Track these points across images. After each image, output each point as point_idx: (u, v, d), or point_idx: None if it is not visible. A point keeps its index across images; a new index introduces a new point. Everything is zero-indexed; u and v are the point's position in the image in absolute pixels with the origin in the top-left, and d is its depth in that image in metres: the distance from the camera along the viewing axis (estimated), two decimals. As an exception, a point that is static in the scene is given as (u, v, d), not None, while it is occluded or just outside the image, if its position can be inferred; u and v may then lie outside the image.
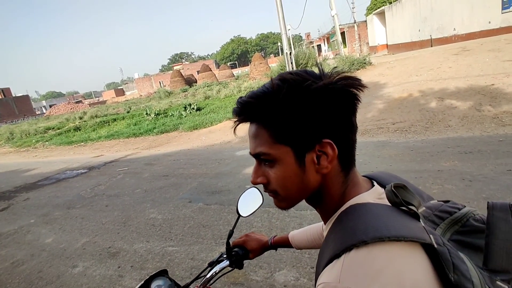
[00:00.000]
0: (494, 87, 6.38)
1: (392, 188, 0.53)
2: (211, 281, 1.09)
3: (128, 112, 18.53)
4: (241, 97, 0.60)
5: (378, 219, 0.50)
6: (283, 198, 0.61)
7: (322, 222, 1.07)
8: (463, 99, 6.23)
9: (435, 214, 0.58)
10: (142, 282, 1.04)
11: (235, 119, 0.61)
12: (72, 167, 8.24)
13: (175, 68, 48.14)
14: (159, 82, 53.56)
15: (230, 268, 1.12)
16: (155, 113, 14.14)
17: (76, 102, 43.66)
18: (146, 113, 14.48)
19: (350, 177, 0.59)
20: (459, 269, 0.45)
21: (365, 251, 0.46)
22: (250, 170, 5.36)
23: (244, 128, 0.63)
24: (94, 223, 4.20)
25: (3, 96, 53.12)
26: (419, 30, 19.19)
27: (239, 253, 1.13)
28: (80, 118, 19.72)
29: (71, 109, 34.61)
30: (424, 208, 0.58)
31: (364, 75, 11.06)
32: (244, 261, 1.16)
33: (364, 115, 6.98)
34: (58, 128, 17.36)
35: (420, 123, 5.77)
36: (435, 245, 0.47)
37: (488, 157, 3.80)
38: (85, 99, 63.58)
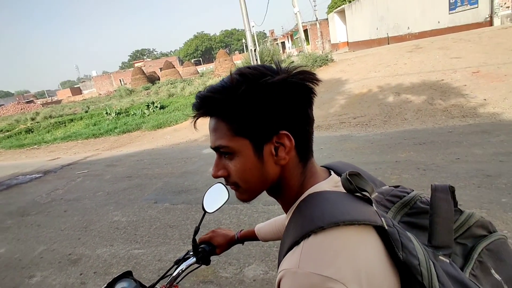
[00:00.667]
0: (443, 82, 6.87)
1: (347, 176, 0.56)
2: (178, 279, 1.08)
3: (86, 112, 17.58)
4: (200, 92, 0.60)
5: (334, 206, 0.53)
6: (244, 190, 0.62)
7: (285, 216, 1.10)
8: (417, 94, 6.65)
9: (386, 199, 0.63)
10: (105, 285, 1.00)
11: (194, 114, 0.61)
12: (25, 172, 7.66)
13: (136, 65, 46.37)
14: (120, 80, 51.32)
15: (197, 265, 1.11)
16: (116, 112, 13.55)
17: (27, 102, 40.56)
18: (106, 113, 13.83)
19: (308, 167, 0.61)
20: (407, 247, 0.49)
21: (322, 236, 0.48)
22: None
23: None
24: (52, 230, 3.95)
25: None
26: (377, 29, 20.12)
27: (206, 249, 1.12)
28: (32, 119, 18.38)
29: (21, 109, 32.12)
30: (376, 193, 0.62)
31: (326, 72, 11.40)
32: (212, 257, 1.15)
33: (327, 111, 7.21)
34: (7, 131, 16.04)
35: (379, 117, 6.07)
36: (386, 227, 0.50)
37: (440, 147, 4.10)
38: (37, 99, 59.13)
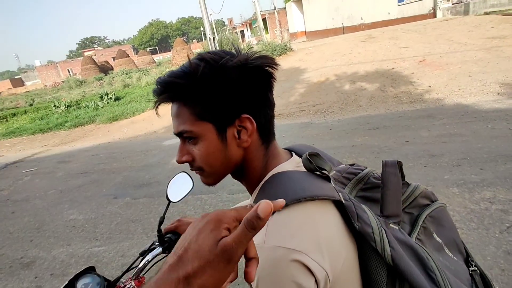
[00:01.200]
0: (394, 70, 7.30)
1: (307, 156, 0.59)
2: (144, 270, 1.06)
3: (31, 105, 16.16)
4: (160, 77, 0.60)
5: (295, 184, 0.56)
6: (209, 174, 0.63)
7: (250, 198, 1.13)
8: (370, 82, 7.00)
9: (343, 176, 0.68)
10: (66, 282, 0.96)
11: (156, 100, 0.61)
12: (-39, 173, 6.91)
13: (86, 54, 43.34)
14: (68, 70, 47.68)
15: (164, 255, 1.10)
16: (65, 105, 12.62)
17: (-41, 96, 36.24)
18: (55, 106, 12.84)
19: (270, 149, 0.64)
20: (362, 218, 0.54)
21: (286, 212, 0.51)
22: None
23: (170, 116, 0.62)
24: (-2, 234, 3.64)
25: None
26: (333, 18, 20.70)
27: (172, 238, 1.11)
28: (-33, 114, 16.50)
29: (-48, 104, 28.65)
30: (334, 171, 0.67)
31: (285, 61, 11.56)
32: None
33: (288, 99, 7.35)
34: None
35: (337, 104, 6.32)
36: (343, 201, 0.55)
37: (391, 131, 4.39)
38: (-29, 92, 53.10)
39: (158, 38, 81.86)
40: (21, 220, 3.89)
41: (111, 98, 12.21)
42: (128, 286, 1.01)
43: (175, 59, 23.44)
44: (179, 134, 0.61)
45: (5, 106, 17.01)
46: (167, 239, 1.11)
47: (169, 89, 0.58)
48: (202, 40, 51.04)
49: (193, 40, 73.50)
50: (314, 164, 0.58)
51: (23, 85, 50.93)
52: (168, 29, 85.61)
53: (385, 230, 0.54)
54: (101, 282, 1.01)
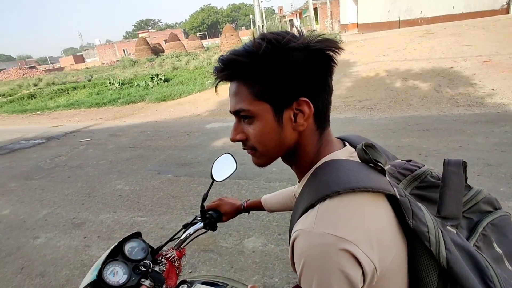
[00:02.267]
0: (453, 70, 6.76)
1: (363, 147, 0.58)
2: (185, 242, 1.12)
3: (89, 80, 17.43)
4: (222, 55, 0.60)
5: (349, 173, 0.55)
6: (261, 154, 0.64)
7: (293, 186, 1.13)
8: (424, 80, 6.56)
9: (398, 171, 0.65)
10: (116, 243, 1.04)
11: (216, 76, 0.62)
12: (28, 137, 7.72)
13: (140, 35, 45.44)
14: (123, 50, 50.48)
15: (204, 230, 1.15)
16: (119, 82, 13.43)
17: (29, 68, 40.13)
18: (110, 82, 13.72)
19: (324, 136, 0.63)
20: (417, 216, 0.52)
21: (338, 200, 0.51)
22: (220, 142, 5.30)
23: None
24: (55, 195, 4.04)
25: None
26: (389, 11, 19.54)
27: (213, 215, 1.16)
28: (35, 85, 18.26)
29: (23, 74, 31.84)
30: (389, 166, 0.64)
31: (334, 53, 11.19)
32: (218, 224, 1.19)
33: (333, 92, 7.14)
34: (10, 95, 15.99)
35: (385, 102, 6.03)
36: (398, 196, 0.53)
37: (443, 134, 4.10)
38: (40, 65, 58.45)
39: (208, 24, 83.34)
40: (75, 184, 4.27)
41: (160, 79, 12.75)
42: (169, 254, 1.07)
43: (223, 45, 23.75)
44: (235, 113, 0.61)
45: (68, 80, 18.54)
46: (209, 215, 1.16)
47: (230, 66, 0.59)
48: (250, 28, 51.06)
49: (242, 27, 73.80)
50: (370, 155, 0.57)
51: (84, 61, 55.01)
52: (218, 15, 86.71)
53: (441, 231, 0.52)
54: (146, 247, 1.09)
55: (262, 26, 11.19)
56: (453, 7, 14.34)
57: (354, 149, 0.64)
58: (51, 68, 48.61)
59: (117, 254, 1.02)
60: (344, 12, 28.20)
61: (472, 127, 4.21)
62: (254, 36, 0.58)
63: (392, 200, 0.54)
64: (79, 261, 2.62)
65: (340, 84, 7.60)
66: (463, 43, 8.43)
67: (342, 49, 0.59)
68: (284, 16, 45.69)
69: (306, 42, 0.56)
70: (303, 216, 0.53)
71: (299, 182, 0.68)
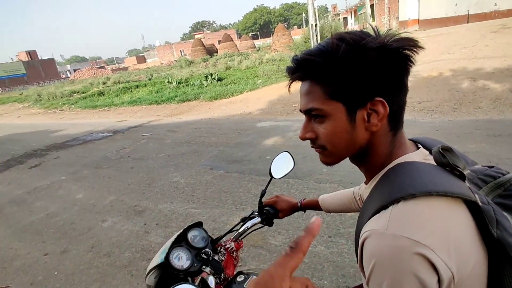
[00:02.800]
0: (533, 69, 6.00)
1: (440, 150, 0.56)
2: (243, 235, 1.17)
3: (150, 79, 18.70)
4: (296, 55, 0.62)
5: (425, 176, 0.53)
6: (330, 154, 0.64)
7: (353, 188, 1.10)
8: (497, 81, 5.92)
9: (479, 178, 0.61)
10: (181, 230, 1.12)
11: (290, 77, 0.64)
12: (97, 130, 8.55)
13: (196, 37, 47.54)
14: (180, 50, 53.26)
15: (261, 225, 1.19)
16: (176, 81, 14.22)
17: (99, 68, 44.33)
18: (168, 81, 14.58)
19: (398, 137, 0.61)
20: (503, 225, 0.49)
21: (413, 203, 0.49)
22: (270, 141, 5.34)
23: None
24: (120, 183, 4.43)
25: (30, 59, 54.48)
26: (456, 5, 17.91)
27: (270, 211, 1.19)
28: (104, 83, 20.11)
29: (94, 74, 35.27)
30: (468, 171, 0.61)
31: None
32: (274, 220, 1.23)
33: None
34: (83, 92, 17.83)
35: (448, 104, 5.57)
36: (480, 203, 0.50)
37: (518, 141, 3.67)
38: (108, 65, 64.32)
39: (260, 24, 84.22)
40: (137, 175, 4.64)
41: (214, 78, 13.23)
42: (228, 245, 1.13)
43: (274, 44, 23.83)
44: (307, 112, 0.62)
45: (131, 79, 20.12)
46: (266, 211, 1.20)
47: (305, 67, 0.60)
48: (302, 27, 50.48)
49: (294, 27, 73.25)
50: (448, 158, 0.55)
51: (145, 61, 59.20)
52: (270, 14, 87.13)
53: None
54: (207, 237, 1.15)
55: (316, 25, 11.00)
56: (536, -2, 12.68)
57: (428, 152, 0.62)
58: (117, 68, 53.16)
59: (181, 240, 1.10)
60: (403, 8, 26.48)
61: None
62: (332, 36, 0.58)
63: (473, 207, 0.51)
64: (139, 245, 2.86)
65: (398, 84, 7.17)
66: (547, 39, 7.43)
67: (422, 47, 0.57)
68: (337, 14, 44.38)
69: (382, 42, 0.55)
70: (374, 217, 0.52)
71: (366, 183, 0.67)
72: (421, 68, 7.88)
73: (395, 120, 0.60)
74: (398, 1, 27.62)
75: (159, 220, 3.25)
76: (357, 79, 0.56)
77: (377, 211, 0.52)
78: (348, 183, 3.30)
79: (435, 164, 0.57)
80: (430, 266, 0.45)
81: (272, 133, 5.69)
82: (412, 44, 0.56)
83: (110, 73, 34.41)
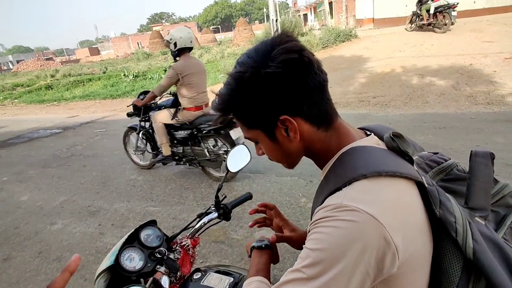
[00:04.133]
0: (472, 67, 6.58)
1: (391, 135, 0.58)
2: (200, 231, 1.13)
3: (104, 72, 17.68)
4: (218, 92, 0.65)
5: (377, 158, 0.55)
6: (282, 163, 0.70)
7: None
8: (442, 77, 6.41)
9: (426, 163, 0.65)
10: (133, 230, 1.06)
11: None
12: (45, 127, 7.91)
13: (154, 29, 45.73)
14: (137, 42, 50.97)
15: (218, 220, 1.16)
16: (133, 75, 13.60)
17: (47, 59, 40.93)
18: (124, 75, 13.91)
19: (334, 130, 0.62)
20: (445, 205, 0.51)
21: (365, 182, 0.51)
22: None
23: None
24: (72, 183, 4.14)
25: (-37, 48, 48.85)
26: (406, 6, 19.04)
27: (228, 207, 1.17)
28: (52, 76, 18.65)
29: (41, 66, 32.54)
30: (417, 156, 0.64)
31: (349, 48, 11.04)
32: (223, 222, 1.20)
33: (347, 88, 7.06)
34: (28, 86, 16.40)
35: (400, 98, 5.92)
36: (426, 185, 0.53)
37: (460, 132, 4.01)
38: (56, 56, 59.57)
39: (221, 17, 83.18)
40: (91, 173, 4.37)
41: (173, 72, 12.82)
42: (184, 243, 1.09)
43: (236, 38, 23.68)
44: (246, 139, 0.69)
45: (83, 72, 18.86)
46: (223, 206, 1.17)
47: (221, 105, 0.63)
48: (264, 22, 50.70)
49: (255, 21, 73.35)
50: (398, 143, 0.57)
51: (99, 54, 55.78)
52: (232, 8, 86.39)
53: (469, 222, 0.51)
54: (161, 235, 1.10)
55: (276, 20, 11.09)
56: (474, 2, 13.88)
57: (379, 139, 0.64)
58: (67, 59, 49.58)
59: (133, 240, 1.04)
60: (360, 7, 27.62)
61: (491, 126, 4.09)
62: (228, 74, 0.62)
63: (420, 188, 0.54)
64: (93, 248, 2.69)
65: (354, 79, 7.49)
66: (483, 39, 8.17)
67: (310, 54, 0.59)
68: (298, 10, 45.15)
69: (256, 66, 0.56)
70: (328, 198, 0.53)
71: (321, 169, 0.68)
72: (376, 64, 8.29)
73: (319, 118, 0.60)
74: (354, 0, 28.75)
75: (115, 220, 3.09)
76: (254, 109, 0.59)
77: (332, 193, 0.53)
78: (308, 175, 3.38)
79: (386, 149, 0.59)
80: (382, 239, 0.46)
81: (233, 127, 5.64)
82: (292, 50, 0.56)
83: (60, 65, 31.93)
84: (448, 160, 0.66)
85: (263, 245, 0.85)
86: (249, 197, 1.26)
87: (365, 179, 0.51)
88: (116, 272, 0.97)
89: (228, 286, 0.96)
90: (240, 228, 2.66)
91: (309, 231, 0.54)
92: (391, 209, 0.49)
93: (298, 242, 0.88)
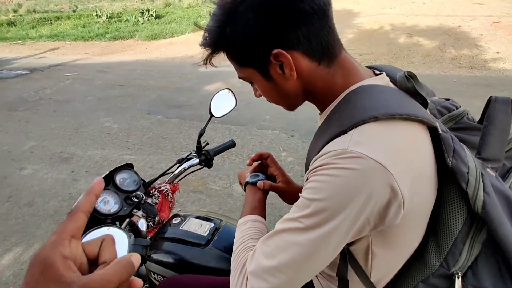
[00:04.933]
0: (460, 29, 6.50)
1: (405, 74, 0.52)
2: (180, 177, 1.08)
3: (74, 11, 16.15)
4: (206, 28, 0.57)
5: (389, 99, 0.48)
6: (281, 105, 0.63)
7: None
8: (429, 38, 6.32)
9: (437, 109, 0.60)
10: (107, 173, 0.99)
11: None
12: (9, 67, 7.29)
13: (130, -35, 41.45)
14: (111, -20, 46.45)
15: (199, 166, 1.10)
16: (107, 15, 12.50)
17: (8, -8, 36.71)
18: (97, 15, 12.75)
19: (340, 64, 0.54)
20: (459, 154, 0.46)
21: (376, 125, 0.45)
22: (213, 87, 5.15)
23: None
24: (41, 128, 3.91)
25: None
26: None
27: (210, 153, 1.10)
28: (14, 11, 16.85)
29: (1, -1, 29.23)
30: (429, 101, 0.58)
31: (339, 1, 10.54)
32: (202, 171, 1.14)
33: (333, 43, 6.86)
34: (-13, 21, 14.79)
35: (386, 57, 5.84)
36: (440, 131, 0.47)
37: (441, 95, 3.90)
38: (19, -10, 53.55)
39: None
40: (62, 119, 4.13)
41: (152, 15, 11.90)
42: (163, 188, 1.03)
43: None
44: (240, 79, 0.62)
45: (50, 9, 17.14)
46: (205, 152, 1.10)
47: (210, 40, 0.56)
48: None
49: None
50: (413, 84, 0.51)
51: (67, -10, 50.52)
52: None
53: (482, 174, 0.47)
54: (138, 180, 1.04)
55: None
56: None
57: (388, 78, 0.57)
58: (31, -6, 44.69)
59: (108, 183, 0.98)
60: (353, -43, 26.10)
61: (471, 89, 4.15)
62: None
63: (432, 135, 0.49)
64: (67, 194, 2.62)
65: (342, 35, 7.22)
66: (474, 1, 8.00)
67: None
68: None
69: None
70: (330, 143, 0.47)
71: (320, 114, 0.61)
72: (365, 20, 8.03)
73: (319, 52, 0.52)
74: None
75: (89, 167, 2.98)
76: (245, 43, 0.52)
77: (337, 136, 0.47)
78: (289, 130, 3.35)
79: (399, 89, 0.53)
80: (387, 190, 0.42)
81: (214, 78, 5.42)
82: None
83: (23, -1, 28.81)
84: (459, 108, 0.62)
85: (259, 181, 0.78)
86: (232, 144, 1.19)
87: (376, 122, 0.45)
88: (90, 215, 0.91)
89: (208, 231, 0.92)
90: (219, 179, 2.65)
91: (306, 179, 0.49)
92: (401, 157, 0.44)
93: (290, 196, 0.81)
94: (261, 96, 0.63)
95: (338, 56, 0.54)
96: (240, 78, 0.61)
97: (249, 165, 0.87)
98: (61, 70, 6.77)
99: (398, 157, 0.43)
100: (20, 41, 10.75)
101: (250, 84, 0.63)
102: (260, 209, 0.71)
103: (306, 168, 0.52)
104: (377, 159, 0.42)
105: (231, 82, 5.13)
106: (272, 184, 0.80)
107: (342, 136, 0.46)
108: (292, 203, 0.80)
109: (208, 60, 0.60)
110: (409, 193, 0.43)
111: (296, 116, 3.56)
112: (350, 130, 0.45)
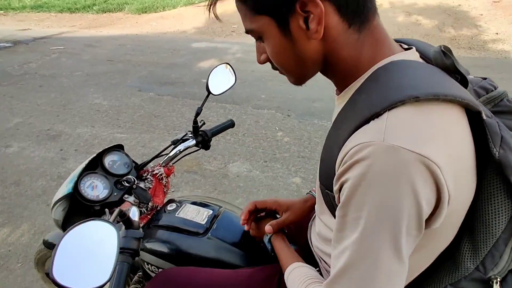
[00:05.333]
0: (460, 8, 6.35)
1: (442, 49, 0.45)
2: (175, 160, 1.00)
3: (59, -20, 15.31)
4: None
5: (430, 76, 0.41)
6: (288, 75, 0.52)
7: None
8: (428, 17, 6.17)
9: (474, 89, 0.51)
10: (95, 154, 0.91)
11: None
12: (-9, 39, 6.92)
13: None
14: None
15: (196, 148, 1.03)
16: (94, -14, 11.88)
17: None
18: (83, -15, 12.11)
19: (371, 32, 0.46)
20: (508, 144, 0.40)
21: (413, 109, 0.37)
22: (206, 63, 4.97)
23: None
24: (27, 104, 3.74)
25: None
26: None
27: (208, 134, 1.03)
28: (-5, -21, 15.90)
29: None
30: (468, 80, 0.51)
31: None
32: (197, 152, 1.07)
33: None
34: (-34, -12, 13.94)
35: (384, 36, 5.70)
36: (484, 116, 0.41)
37: (439, 76, 3.99)
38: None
39: None
40: (48, 95, 3.96)
41: (141, -14, 11.36)
42: (157, 171, 0.96)
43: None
44: (247, 33, 0.50)
45: (33, -23, 16.21)
46: (202, 132, 1.02)
47: None
48: None
49: None
50: (453, 60, 0.43)
51: (51, -43, 47.80)
52: None
53: None
54: (129, 162, 0.97)
55: None
56: None
57: (420, 55, 0.50)
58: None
59: (96, 166, 0.91)
60: None
61: (470, 71, 3.93)
62: None
63: (475, 120, 0.42)
64: (55, 173, 2.52)
65: (340, 12, 7.05)
66: (475, -21, 7.81)
67: None
68: None
69: None
70: (361, 129, 0.39)
71: (338, 94, 0.53)
72: (363, -3, 7.78)
73: (352, 9, 0.43)
74: None
75: (79, 145, 2.88)
76: None
77: (366, 121, 0.39)
78: (285, 109, 3.27)
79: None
80: (434, 186, 0.36)
81: (208, 55, 5.25)
82: None
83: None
84: (498, 88, 0.54)
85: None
86: (231, 124, 1.12)
87: (414, 104, 0.37)
88: (76, 200, 0.84)
89: (207, 218, 0.86)
90: (214, 160, 2.58)
91: (337, 181, 0.41)
92: (448, 147, 0.37)
93: (297, 217, 0.77)
94: (265, 62, 0.52)
95: (371, 22, 0.46)
96: (247, 31, 0.49)
97: (244, 223, 0.82)
98: (46, 43, 6.46)
99: (444, 148, 0.37)
100: (1, 12, 10.19)
101: (244, 63, 0.53)
102: (296, 255, 0.67)
103: (330, 156, 0.44)
104: (423, 153, 0.35)
105: (226, 59, 4.97)
106: (277, 221, 0.77)
107: (373, 122, 0.38)
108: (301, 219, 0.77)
109: (213, 3, 0.49)
110: (455, 191, 0.37)
111: (292, 95, 3.47)
112: (383, 113, 0.38)
